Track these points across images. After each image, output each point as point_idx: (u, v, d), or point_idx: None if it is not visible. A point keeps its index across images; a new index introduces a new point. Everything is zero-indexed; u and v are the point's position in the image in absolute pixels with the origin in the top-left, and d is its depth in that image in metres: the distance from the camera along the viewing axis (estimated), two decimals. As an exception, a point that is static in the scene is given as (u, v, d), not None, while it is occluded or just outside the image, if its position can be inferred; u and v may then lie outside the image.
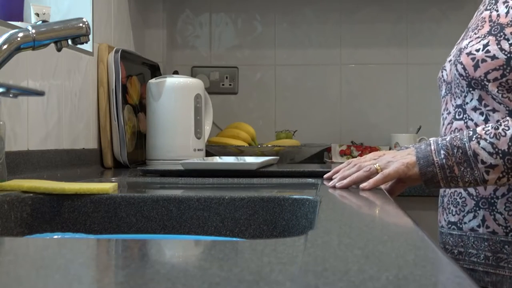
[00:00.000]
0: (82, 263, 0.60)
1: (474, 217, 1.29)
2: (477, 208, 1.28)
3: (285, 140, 2.46)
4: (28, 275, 0.53)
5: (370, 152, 2.31)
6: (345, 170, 1.29)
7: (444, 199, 1.37)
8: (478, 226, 1.28)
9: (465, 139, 1.18)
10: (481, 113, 1.25)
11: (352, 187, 1.27)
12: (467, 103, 1.28)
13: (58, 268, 0.56)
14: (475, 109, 1.26)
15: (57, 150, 1.66)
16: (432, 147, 1.20)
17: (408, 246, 0.67)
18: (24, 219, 1.14)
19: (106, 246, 0.71)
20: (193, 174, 1.56)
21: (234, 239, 1.12)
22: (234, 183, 1.47)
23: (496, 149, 1.15)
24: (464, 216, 1.31)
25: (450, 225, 1.34)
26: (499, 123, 1.17)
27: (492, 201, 1.26)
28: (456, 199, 1.32)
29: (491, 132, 1.16)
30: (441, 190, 1.40)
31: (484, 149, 1.16)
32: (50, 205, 1.18)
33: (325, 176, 1.39)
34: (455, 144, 1.18)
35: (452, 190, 1.34)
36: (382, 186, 1.30)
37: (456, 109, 1.30)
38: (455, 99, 1.31)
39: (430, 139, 1.24)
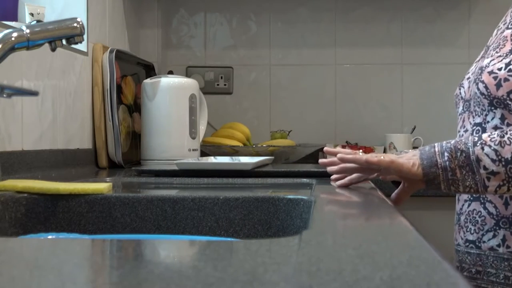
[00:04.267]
0: (76, 264, 0.60)
1: (494, 236, 1.28)
2: (497, 228, 1.28)
3: (280, 140, 2.46)
4: (22, 275, 0.53)
5: (364, 152, 2.31)
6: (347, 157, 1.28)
7: (461, 217, 1.36)
8: (498, 245, 1.27)
9: (470, 144, 1.18)
10: None
11: (350, 186, 1.28)
12: (488, 121, 1.27)
13: (52, 269, 0.55)
14: (496, 128, 1.25)
15: (52, 150, 1.66)
16: (436, 149, 1.20)
17: (402, 246, 0.67)
18: (18, 219, 1.14)
19: (100, 247, 0.71)
20: (188, 174, 1.56)
21: (229, 239, 1.12)
22: (229, 183, 1.47)
23: (499, 157, 1.15)
24: (483, 235, 1.30)
25: (467, 244, 1.33)
26: (505, 132, 1.17)
27: None
28: (475, 217, 1.31)
29: (496, 140, 1.16)
30: (458, 208, 1.38)
31: (487, 155, 1.16)
32: (45, 205, 1.18)
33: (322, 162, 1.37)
34: (459, 147, 1.18)
35: (471, 208, 1.32)
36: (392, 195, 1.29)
37: (474, 127, 1.29)
38: (473, 117, 1.30)
39: (435, 143, 1.23)
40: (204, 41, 2.70)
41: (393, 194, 1.28)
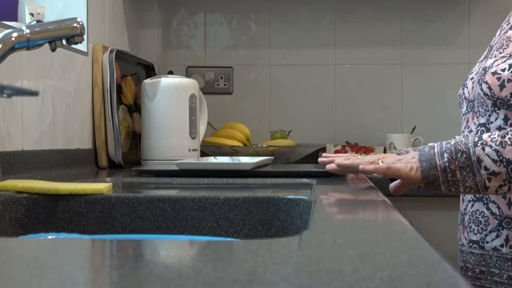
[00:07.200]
0: (76, 264, 0.60)
1: (497, 236, 1.28)
2: (500, 228, 1.27)
3: (280, 140, 2.46)
4: (22, 275, 0.53)
5: (365, 153, 2.31)
6: (344, 159, 1.31)
7: (465, 217, 1.35)
8: (502, 245, 1.27)
9: (470, 144, 1.17)
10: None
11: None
12: (491, 122, 1.26)
13: (52, 269, 0.55)
14: (499, 128, 1.25)
15: (52, 150, 1.66)
16: (436, 150, 1.19)
17: (402, 246, 0.67)
18: (18, 219, 1.14)
19: (100, 247, 0.71)
20: (188, 174, 1.56)
21: (229, 239, 1.12)
22: (229, 183, 1.47)
23: (501, 157, 1.14)
24: (486, 235, 1.30)
25: (471, 244, 1.33)
26: (506, 132, 1.16)
27: None
28: (478, 218, 1.31)
29: (497, 140, 1.15)
30: (462, 208, 1.38)
31: (488, 155, 1.15)
32: (45, 205, 1.18)
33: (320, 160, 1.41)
34: (459, 148, 1.17)
35: (474, 209, 1.32)
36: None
37: (479, 128, 1.29)
38: (477, 118, 1.30)
39: (434, 143, 1.23)
40: (204, 41, 2.70)
41: (391, 185, 1.29)
